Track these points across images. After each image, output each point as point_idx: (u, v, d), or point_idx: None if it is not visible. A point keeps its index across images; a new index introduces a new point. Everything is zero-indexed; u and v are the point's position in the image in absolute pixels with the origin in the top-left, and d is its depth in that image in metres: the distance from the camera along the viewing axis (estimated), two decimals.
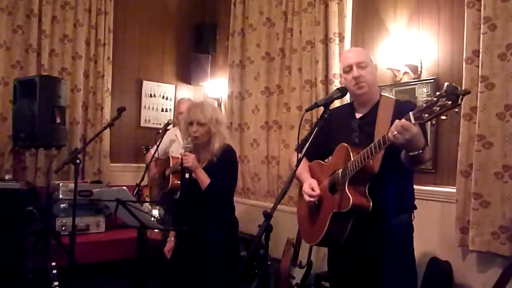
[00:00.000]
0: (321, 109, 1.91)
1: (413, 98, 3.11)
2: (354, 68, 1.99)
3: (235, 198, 2.76)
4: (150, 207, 3.81)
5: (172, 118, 5.09)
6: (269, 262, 3.35)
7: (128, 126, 5.07)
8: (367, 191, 1.87)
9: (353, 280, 2.03)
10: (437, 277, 2.79)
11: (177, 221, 2.75)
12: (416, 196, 2.09)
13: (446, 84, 1.48)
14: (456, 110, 1.47)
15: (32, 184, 4.16)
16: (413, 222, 2.04)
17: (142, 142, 4.81)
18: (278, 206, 1.72)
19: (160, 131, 4.03)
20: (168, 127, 3.98)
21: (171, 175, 3.50)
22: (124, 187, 2.49)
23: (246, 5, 4.68)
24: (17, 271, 3.38)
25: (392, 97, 2.33)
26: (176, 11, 5.51)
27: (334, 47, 3.68)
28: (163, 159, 3.78)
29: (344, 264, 2.07)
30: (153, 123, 5.25)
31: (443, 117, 1.50)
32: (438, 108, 1.48)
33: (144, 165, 4.00)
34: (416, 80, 3.19)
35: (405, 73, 3.26)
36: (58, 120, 4.00)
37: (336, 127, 2.12)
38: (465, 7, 2.79)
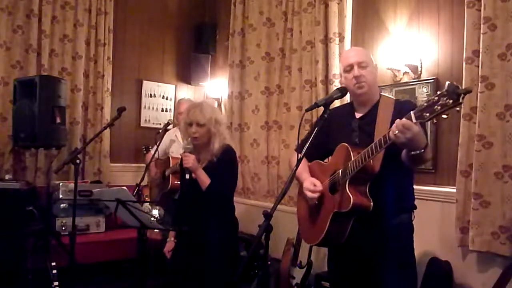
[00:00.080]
0: (321, 109, 1.91)
1: (413, 98, 3.11)
2: (355, 67, 1.99)
3: (235, 198, 2.76)
4: (150, 207, 3.81)
5: (172, 118, 5.10)
6: (269, 262, 3.35)
7: (128, 126, 5.07)
8: (367, 191, 1.87)
9: (353, 280, 2.03)
10: (437, 277, 2.79)
11: (177, 221, 2.75)
12: (416, 196, 2.09)
13: (447, 83, 1.47)
14: (458, 109, 1.47)
15: (32, 184, 4.16)
16: (413, 222, 2.04)
17: (142, 142, 4.81)
18: (278, 206, 1.72)
19: (160, 131, 4.03)
20: (168, 127, 3.98)
21: (171, 175, 3.50)
22: (124, 187, 2.49)
23: (246, 5, 4.68)
24: (17, 271, 3.38)
25: (391, 97, 2.33)
26: (176, 11, 5.51)
27: (334, 47, 3.68)
28: (163, 159, 3.78)
29: (344, 264, 2.07)
30: (153, 123, 5.25)
31: (444, 116, 1.50)
32: (439, 107, 1.48)
33: (144, 165, 4.00)
34: (416, 80, 3.19)
35: (405, 73, 3.26)
36: (58, 120, 4.00)
37: (336, 127, 2.12)
38: (465, 7, 2.79)
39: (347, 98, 2.52)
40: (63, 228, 4.00)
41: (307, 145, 1.84)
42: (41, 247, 3.51)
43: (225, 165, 2.58)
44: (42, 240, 3.55)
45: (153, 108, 5.31)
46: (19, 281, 3.33)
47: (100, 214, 4.28)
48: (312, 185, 2.03)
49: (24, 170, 4.34)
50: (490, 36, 2.63)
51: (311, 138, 1.86)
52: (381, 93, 2.11)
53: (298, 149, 1.98)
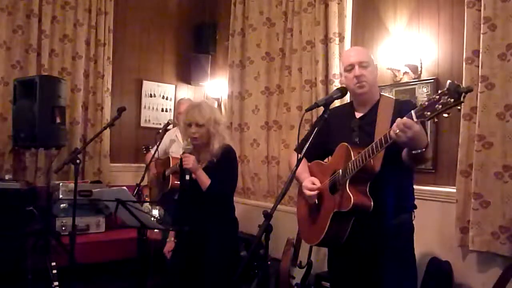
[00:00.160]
0: (321, 109, 1.91)
1: (413, 98, 3.11)
2: (356, 67, 1.98)
3: (235, 198, 2.76)
4: (150, 207, 3.81)
5: (172, 118, 5.09)
6: (269, 262, 3.35)
7: (128, 126, 5.07)
8: (368, 190, 1.87)
9: (353, 280, 2.03)
10: (437, 277, 2.79)
11: (177, 221, 2.74)
12: (416, 196, 2.09)
13: (448, 81, 1.47)
14: (459, 107, 1.47)
15: (32, 184, 4.16)
16: (413, 222, 2.04)
17: (142, 142, 4.80)
18: (278, 206, 1.72)
19: (160, 131, 4.03)
20: (168, 127, 3.98)
21: (171, 176, 3.50)
22: (124, 187, 2.49)
23: (246, 5, 4.68)
24: (17, 271, 3.38)
25: (391, 96, 2.33)
26: (176, 11, 5.51)
27: (334, 47, 3.68)
28: (163, 159, 3.78)
29: (345, 264, 2.07)
30: (153, 123, 5.25)
31: (445, 115, 1.50)
32: (440, 106, 1.48)
33: (144, 165, 3.99)
34: (416, 80, 3.19)
35: (405, 73, 3.26)
36: (58, 120, 4.00)
37: (336, 127, 2.11)
38: (465, 7, 2.79)
39: (347, 98, 2.53)
40: (63, 228, 4.00)
41: (307, 145, 1.84)
42: (41, 247, 3.50)
43: (225, 165, 2.58)
44: (42, 240, 3.55)
45: (153, 108, 5.31)
46: (19, 281, 3.33)
47: (100, 214, 4.28)
48: (310, 183, 2.03)
49: (24, 170, 4.34)
50: (490, 36, 2.63)
51: (311, 138, 1.85)
52: (381, 93, 2.11)
53: (298, 149, 1.98)
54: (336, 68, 3.66)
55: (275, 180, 4.28)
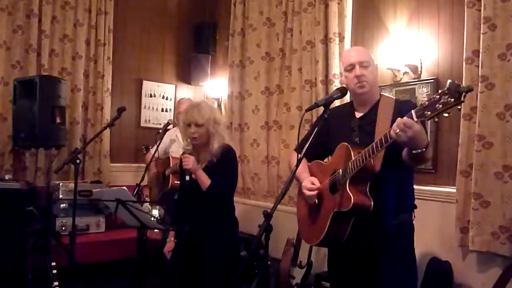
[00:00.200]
0: (321, 109, 1.91)
1: (413, 98, 3.11)
2: (357, 67, 1.98)
3: (235, 198, 2.76)
4: (150, 207, 3.81)
5: (172, 118, 5.09)
6: (269, 262, 3.35)
7: (128, 126, 5.07)
8: (368, 190, 1.87)
9: (354, 280, 2.03)
10: (437, 277, 2.79)
11: (177, 221, 2.74)
12: (416, 196, 2.08)
13: (449, 81, 1.47)
14: (459, 107, 1.47)
15: (32, 184, 4.16)
16: (413, 222, 2.04)
17: (142, 142, 4.80)
18: (278, 206, 1.72)
19: (160, 131, 4.03)
20: (168, 127, 3.98)
21: (171, 175, 3.50)
22: (124, 187, 2.49)
23: (246, 5, 4.68)
24: (17, 271, 3.38)
25: (392, 96, 2.33)
26: (176, 11, 5.51)
27: (334, 47, 3.68)
28: (163, 159, 3.78)
29: (345, 264, 2.07)
30: (153, 123, 5.26)
31: (446, 115, 1.50)
32: (440, 106, 1.48)
33: (144, 165, 4.00)
34: (416, 80, 3.19)
35: (405, 73, 3.26)
36: (58, 120, 4.00)
37: (336, 126, 2.11)
38: (465, 7, 2.79)
39: (347, 98, 2.53)
40: (63, 228, 4.00)
41: (307, 145, 1.84)
42: (41, 247, 3.50)
43: (225, 165, 2.58)
44: (42, 240, 3.55)
45: (153, 108, 5.31)
46: (19, 281, 3.33)
47: (100, 214, 4.28)
48: (310, 183, 2.03)
49: (24, 170, 4.34)
50: (490, 36, 2.63)
51: (311, 138, 1.85)
52: (381, 93, 2.11)
53: (298, 149, 1.98)
54: (336, 68, 3.66)
55: (275, 180, 4.28)
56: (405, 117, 1.61)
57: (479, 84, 2.66)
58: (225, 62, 5.03)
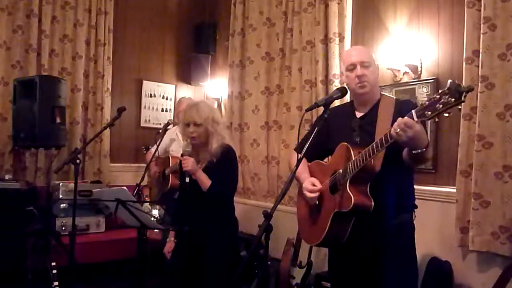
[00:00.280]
0: (321, 109, 1.91)
1: (413, 98, 3.10)
2: (358, 67, 1.98)
3: (235, 198, 2.76)
4: (150, 207, 3.81)
5: (172, 118, 5.09)
6: (269, 262, 3.35)
7: (128, 126, 5.07)
8: (368, 190, 1.87)
9: (354, 280, 2.03)
10: (437, 277, 2.79)
11: (177, 221, 2.74)
12: (416, 196, 2.08)
13: (449, 81, 1.47)
14: (459, 107, 1.47)
15: (32, 184, 4.16)
16: (414, 222, 2.04)
17: (142, 142, 4.81)
18: (278, 206, 1.72)
19: (160, 131, 4.02)
20: (168, 127, 3.98)
21: (170, 175, 3.49)
22: (124, 187, 2.49)
23: (246, 5, 4.68)
24: (17, 271, 3.38)
25: (392, 96, 2.33)
26: (176, 11, 5.51)
27: (334, 47, 3.68)
28: (163, 158, 3.77)
29: (346, 264, 2.07)
30: (153, 123, 5.26)
31: (446, 115, 1.50)
32: (441, 106, 1.48)
33: (144, 165, 3.99)
34: (416, 80, 3.19)
35: (405, 73, 3.26)
36: (58, 120, 4.00)
37: (336, 126, 2.11)
38: (465, 7, 2.79)
39: (347, 98, 2.53)
40: (63, 228, 4.00)
41: (307, 145, 1.84)
42: (41, 247, 3.50)
43: (225, 165, 2.58)
44: (42, 240, 3.55)
45: (153, 108, 5.31)
46: (19, 281, 3.33)
47: (100, 214, 4.28)
48: (311, 185, 2.03)
49: (24, 170, 4.34)
50: (490, 36, 2.63)
51: (311, 138, 1.85)
52: (382, 93, 2.10)
53: (298, 149, 1.98)
54: (336, 68, 3.66)
55: (275, 180, 4.28)
56: (406, 117, 1.61)
57: (479, 84, 2.66)
58: (225, 62, 5.03)
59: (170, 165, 3.54)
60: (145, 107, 5.25)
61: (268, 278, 3.41)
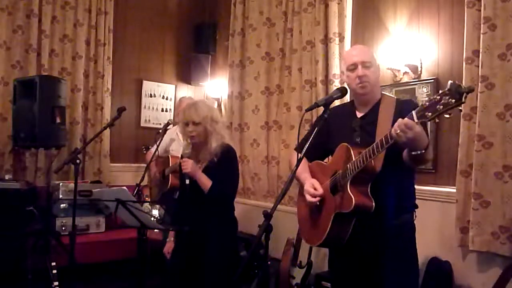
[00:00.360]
0: (321, 109, 1.90)
1: (413, 98, 3.10)
2: (359, 67, 1.96)
3: (235, 198, 2.76)
4: (150, 207, 3.81)
5: (172, 118, 5.10)
6: (269, 262, 3.35)
7: (128, 126, 5.08)
8: (369, 191, 1.86)
9: (355, 281, 2.03)
10: (437, 277, 2.79)
11: (177, 221, 2.74)
12: (416, 196, 2.08)
13: (449, 82, 1.46)
14: (460, 108, 1.46)
15: (32, 184, 4.16)
16: (414, 222, 2.04)
17: (142, 142, 4.82)
18: (278, 206, 1.71)
19: (160, 131, 4.02)
20: (168, 127, 3.98)
21: (170, 175, 3.50)
22: (124, 187, 2.49)
23: (246, 5, 4.68)
24: (17, 271, 3.38)
25: (393, 96, 2.32)
26: (176, 11, 5.51)
27: (334, 47, 3.68)
28: (163, 158, 3.78)
29: (346, 265, 2.06)
30: (153, 123, 5.26)
31: (447, 116, 1.49)
32: (441, 107, 1.47)
33: (144, 165, 4.00)
34: (416, 80, 3.19)
35: (405, 73, 3.26)
36: (58, 120, 4.00)
37: (337, 126, 2.10)
38: (465, 7, 2.79)
39: (347, 98, 2.53)
40: (63, 228, 4.00)
41: (307, 145, 1.83)
42: (41, 247, 3.50)
43: (225, 165, 2.57)
44: (42, 240, 3.55)
45: (153, 108, 5.31)
46: (19, 281, 3.33)
47: (100, 214, 4.28)
48: (312, 188, 2.01)
49: (24, 170, 4.34)
50: (490, 36, 2.63)
51: (311, 138, 1.85)
52: (383, 92, 2.10)
53: (298, 149, 1.97)
54: (336, 68, 3.66)
55: (275, 180, 4.28)
56: (406, 118, 1.61)
57: (479, 84, 2.66)
58: (225, 62, 5.03)
59: (170, 164, 3.54)
60: (145, 107, 5.25)
61: (268, 278, 3.41)
